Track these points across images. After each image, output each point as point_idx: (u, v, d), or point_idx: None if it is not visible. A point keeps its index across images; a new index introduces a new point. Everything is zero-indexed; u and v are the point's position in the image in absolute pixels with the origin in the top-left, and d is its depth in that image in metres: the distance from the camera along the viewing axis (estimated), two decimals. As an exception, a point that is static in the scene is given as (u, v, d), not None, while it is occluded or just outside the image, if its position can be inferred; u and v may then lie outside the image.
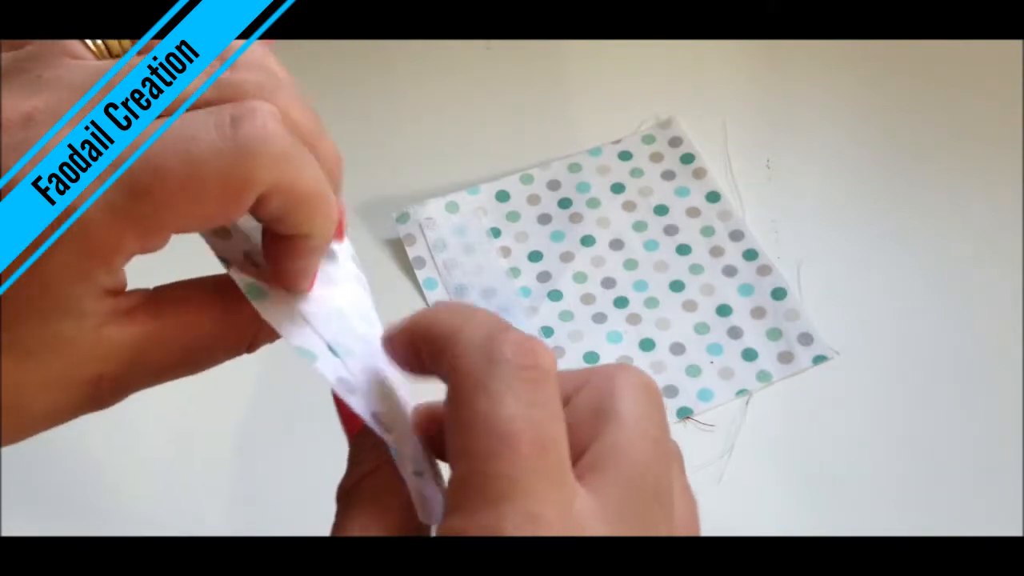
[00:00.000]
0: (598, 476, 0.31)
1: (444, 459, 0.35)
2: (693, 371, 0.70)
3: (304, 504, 0.59)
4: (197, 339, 0.35)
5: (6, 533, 0.63)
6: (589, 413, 0.32)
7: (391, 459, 0.33)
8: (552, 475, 0.29)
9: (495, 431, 0.29)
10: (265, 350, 0.38)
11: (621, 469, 0.31)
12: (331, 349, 0.35)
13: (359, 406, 0.34)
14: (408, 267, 0.75)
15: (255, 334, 0.36)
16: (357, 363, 0.35)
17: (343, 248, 0.38)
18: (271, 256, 0.35)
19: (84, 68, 0.32)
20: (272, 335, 0.36)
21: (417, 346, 0.33)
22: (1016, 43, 0.82)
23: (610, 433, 0.31)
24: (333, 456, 0.36)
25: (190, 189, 0.31)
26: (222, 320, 0.35)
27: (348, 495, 0.33)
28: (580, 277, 0.75)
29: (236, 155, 0.31)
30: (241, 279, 0.34)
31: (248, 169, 0.31)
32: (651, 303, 0.73)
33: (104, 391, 0.34)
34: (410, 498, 0.33)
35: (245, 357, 0.40)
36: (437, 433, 0.34)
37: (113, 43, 0.34)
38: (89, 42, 0.34)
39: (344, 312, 0.36)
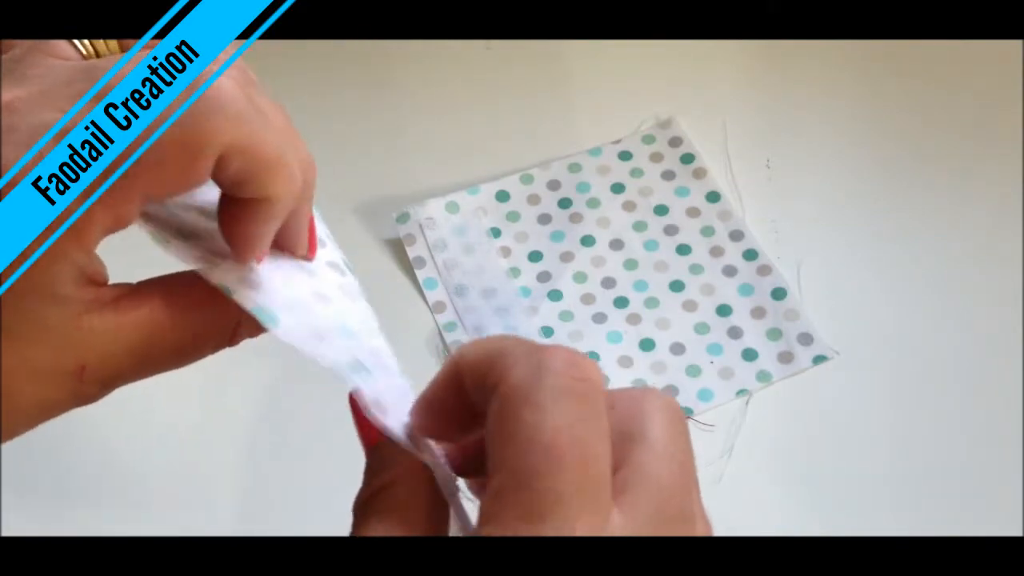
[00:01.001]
0: (628, 498, 0.30)
1: (463, 475, 0.34)
2: (693, 371, 0.70)
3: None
4: (179, 330, 0.35)
5: (6, 533, 0.63)
6: (617, 435, 0.31)
7: (413, 472, 0.33)
8: (591, 494, 0.29)
9: (540, 444, 0.28)
10: (277, 353, 0.38)
11: (651, 492, 0.31)
12: (354, 367, 0.34)
13: (395, 426, 0.33)
14: (408, 267, 0.75)
15: (236, 326, 0.36)
16: (378, 381, 0.34)
17: (321, 262, 0.38)
18: (228, 222, 0.35)
19: (69, 66, 0.33)
20: (254, 329, 0.36)
21: (461, 379, 0.32)
22: (1016, 43, 0.82)
23: (639, 456, 0.31)
24: (346, 459, 0.36)
25: (149, 154, 0.31)
26: (204, 311, 0.35)
27: (366, 506, 0.33)
28: (580, 277, 0.75)
29: (191, 115, 0.31)
30: (255, 307, 0.35)
31: (204, 129, 0.31)
32: (651, 303, 0.73)
33: (88, 383, 0.34)
34: (431, 511, 0.33)
35: (255, 359, 0.40)
36: (453, 452, 0.34)
37: (100, 44, 0.34)
38: (77, 43, 0.34)
39: (351, 329, 0.36)
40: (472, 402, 0.32)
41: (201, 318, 0.35)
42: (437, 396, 0.33)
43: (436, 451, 0.34)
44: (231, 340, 0.36)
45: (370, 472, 0.34)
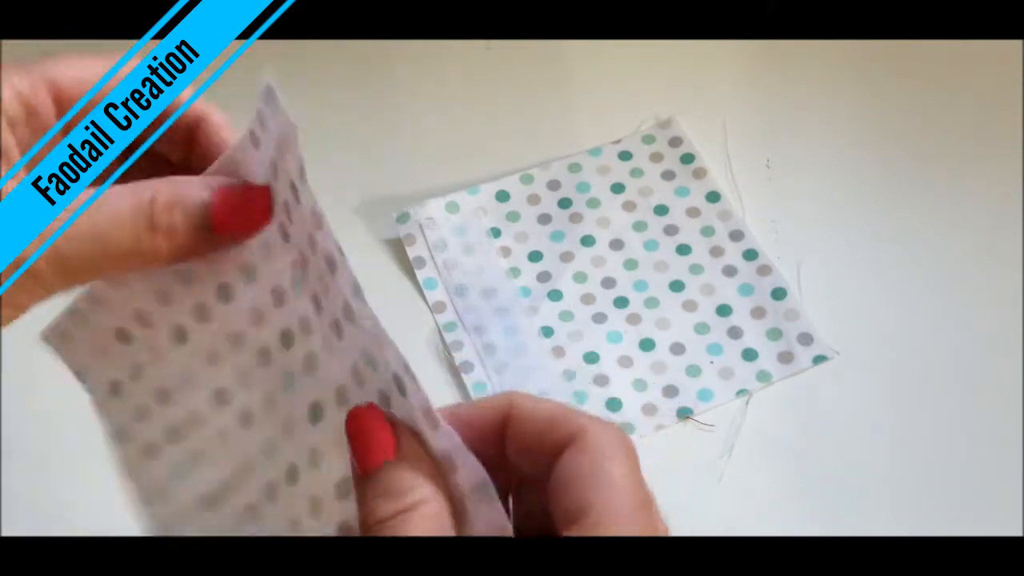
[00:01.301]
0: None
1: None
2: (693, 371, 0.70)
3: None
4: (107, 207, 0.34)
5: (6, 533, 0.63)
6: None
7: (440, 489, 0.34)
8: (652, 529, 0.34)
9: (632, 494, 0.34)
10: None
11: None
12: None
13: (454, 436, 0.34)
14: (408, 267, 0.75)
15: (165, 235, 0.35)
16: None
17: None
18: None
19: None
20: (184, 251, 0.35)
21: (504, 417, 0.36)
22: (1016, 43, 0.82)
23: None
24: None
25: None
26: (129, 200, 0.34)
27: (393, 528, 0.33)
28: (580, 277, 0.75)
29: None
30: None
31: None
32: (651, 303, 0.73)
33: None
34: (459, 528, 0.34)
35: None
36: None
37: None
38: None
39: None
40: (496, 438, 0.36)
41: (126, 204, 0.34)
42: (474, 417, 0.35)
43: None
44: (166, 257, 0.35)
45: (391, 492, 0.33)
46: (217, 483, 0.38)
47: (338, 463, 0.35)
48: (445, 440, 0.34)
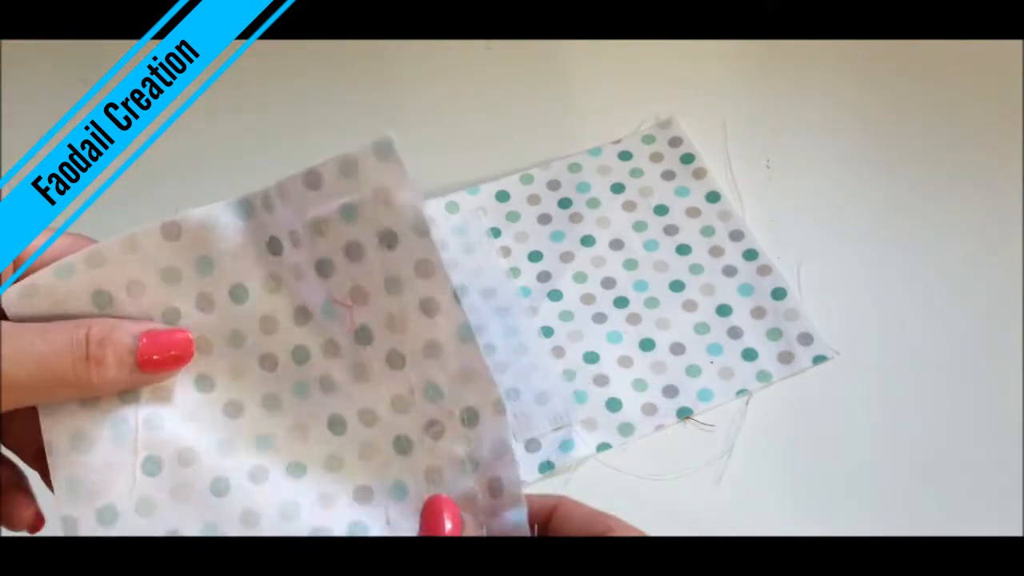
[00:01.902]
0: None
1: None
2: (693, 371, 0.70)
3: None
4: (49, 337, 0.37)
5: (6, 533, 0.63)
6: None
7: None
8: None
9: None
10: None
11: None
12: None
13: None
14: (408, 267, 0.75)
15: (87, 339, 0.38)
16: None
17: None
18: None
19: None
20: (116, 384, 0.38)
21: (548, 514, 0.41)
22: (1016, 43, 0.82)
23: None
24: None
25: None
26: (66, 333, 0.37)
27: None
28: (580, 277, 0.75)
29: None
30: None
31: None
32: (651, 303, 0.73)
33: None
34: None
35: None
36: None
37: None
38: None
39: None
40: (541, 523, 0.40)
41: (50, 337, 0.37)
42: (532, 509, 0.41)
43: None
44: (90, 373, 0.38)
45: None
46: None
47: (319, 477, 0.38)
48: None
